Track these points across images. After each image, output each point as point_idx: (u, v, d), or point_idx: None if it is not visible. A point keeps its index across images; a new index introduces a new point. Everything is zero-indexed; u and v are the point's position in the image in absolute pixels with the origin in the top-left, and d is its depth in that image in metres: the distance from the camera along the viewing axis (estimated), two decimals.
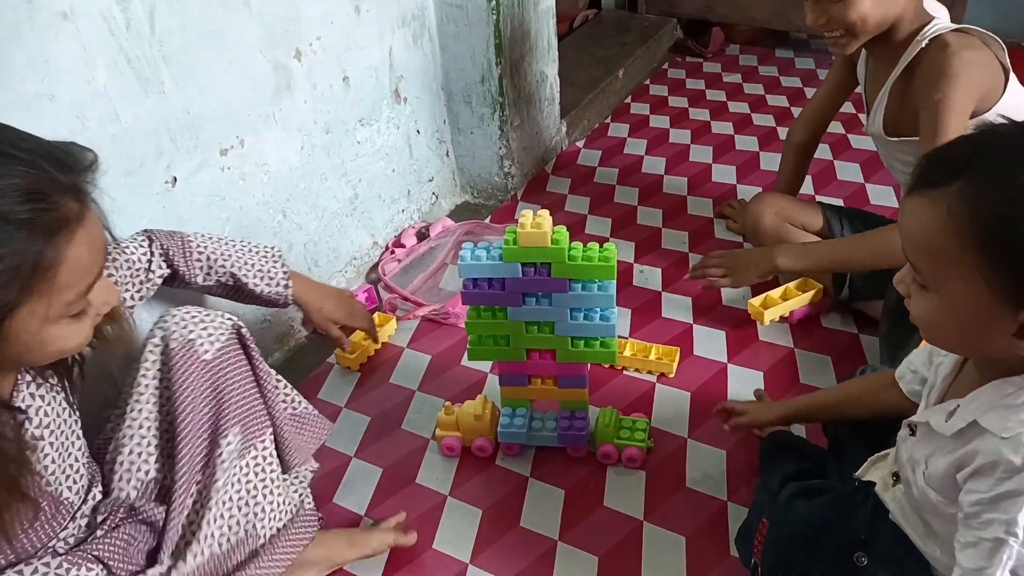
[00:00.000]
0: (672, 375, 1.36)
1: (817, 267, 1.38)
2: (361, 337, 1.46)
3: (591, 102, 2.31)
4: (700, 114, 2.35)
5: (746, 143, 2.15)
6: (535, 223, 1.00)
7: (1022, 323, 0.62)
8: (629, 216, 1.86)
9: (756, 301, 1.43)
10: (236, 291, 1.12)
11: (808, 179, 1.75)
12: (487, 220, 1.88)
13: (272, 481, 0.96)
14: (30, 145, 0.67)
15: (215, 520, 0.90)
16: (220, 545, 0.90)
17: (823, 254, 1.35)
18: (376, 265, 1.71)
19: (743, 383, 1.33)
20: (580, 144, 2.24)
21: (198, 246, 1.06)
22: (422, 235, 1.79)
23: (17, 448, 0.73)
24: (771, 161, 2.04)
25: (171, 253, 1.03)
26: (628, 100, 2.49)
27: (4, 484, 0.71)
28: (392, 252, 1.72)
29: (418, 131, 1.79)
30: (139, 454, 0.90)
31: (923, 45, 1.17)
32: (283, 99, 1.37)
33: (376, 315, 1.52)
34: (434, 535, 1.12)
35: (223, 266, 1.07)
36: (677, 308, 1.53)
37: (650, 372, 1.37)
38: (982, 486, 0.65)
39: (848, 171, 1.95)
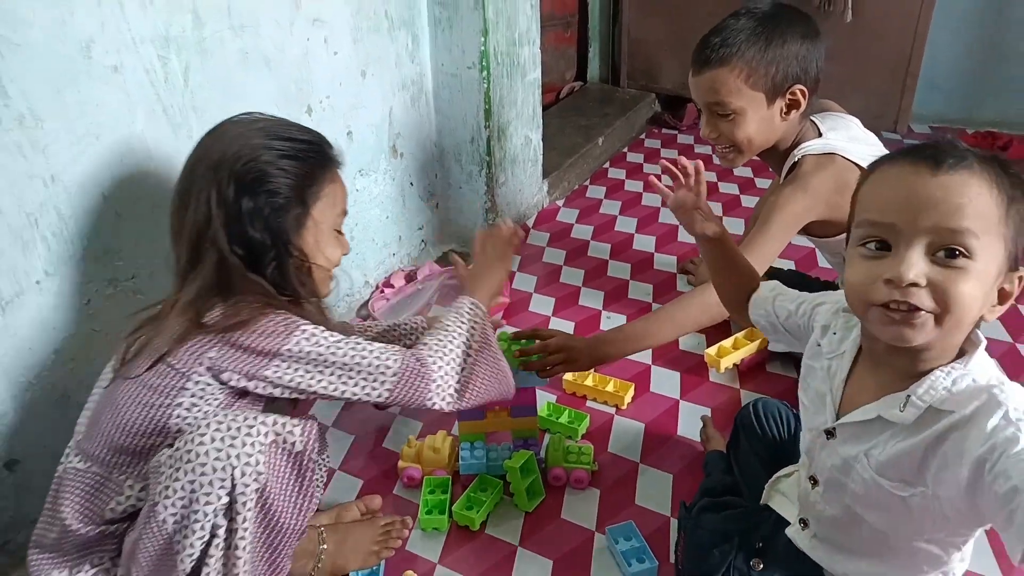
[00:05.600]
0: (624, 407, 1.50)
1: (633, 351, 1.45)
2: None
3: (572, 165, 2.51)
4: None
5: (712, 208, 2.33)
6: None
7: (1008, 286, 0.72)
8: (600, 268, 2.04)
9: (712, 351, 1.58)
10: None
11: None
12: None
13: None
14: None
15: None
16: None
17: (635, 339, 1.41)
18: (367, 303, 1.86)
19: (692, 417, 1.47)
20: (560, 203, 2.43)
21: None
22: (410, 277, 1.94)
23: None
24: (733, 226, 2.22)
25: None
26: (607, 165, 2.70)
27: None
28: (382, 291, 1.88)
29: (411, 183, 1.96)
30: None
31: (797, 159, 1.38)
32: None
33: None
34: (407, 539, 1.24)
35: None
36: None
37: (605, 402, 1.51)
38: (1011, 450, 0.64)
39: (800, 236, 2.12)
